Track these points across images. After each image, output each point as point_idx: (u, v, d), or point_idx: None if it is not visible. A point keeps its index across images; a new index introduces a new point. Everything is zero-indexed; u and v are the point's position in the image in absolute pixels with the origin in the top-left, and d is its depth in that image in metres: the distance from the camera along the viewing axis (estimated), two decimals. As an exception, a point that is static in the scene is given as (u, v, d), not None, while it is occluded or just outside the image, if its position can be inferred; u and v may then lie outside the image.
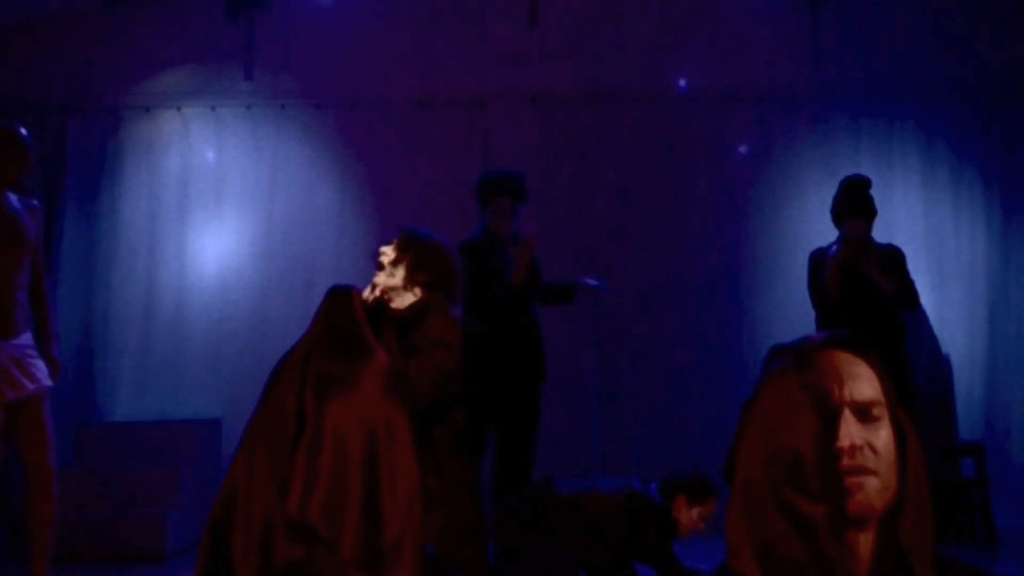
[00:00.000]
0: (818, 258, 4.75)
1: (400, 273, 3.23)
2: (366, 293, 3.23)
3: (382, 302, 3.23)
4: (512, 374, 4.48)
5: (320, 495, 2.73)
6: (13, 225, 3.86)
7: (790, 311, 6.09)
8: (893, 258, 4.69)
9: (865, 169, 5.80)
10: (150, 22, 6.50)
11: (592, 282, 4.86)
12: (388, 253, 3.29)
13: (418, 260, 3.23)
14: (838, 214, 4.69)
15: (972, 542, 5.44)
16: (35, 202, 4.07)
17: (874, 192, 4.71)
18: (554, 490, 4.03)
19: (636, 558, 3.98)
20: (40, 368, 3.85)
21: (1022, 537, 5.62)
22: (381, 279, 3.25)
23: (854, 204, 4.61)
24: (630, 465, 6.13)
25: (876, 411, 1.30)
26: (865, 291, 4.57)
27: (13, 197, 3.95)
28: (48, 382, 3.86)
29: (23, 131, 4.01)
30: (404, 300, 3.23)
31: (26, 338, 3.86)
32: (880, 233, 4.97)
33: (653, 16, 6.49)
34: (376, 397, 2.89)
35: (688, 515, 3.96)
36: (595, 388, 6.18)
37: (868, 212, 4.63)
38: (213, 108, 6.47)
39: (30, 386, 3.78)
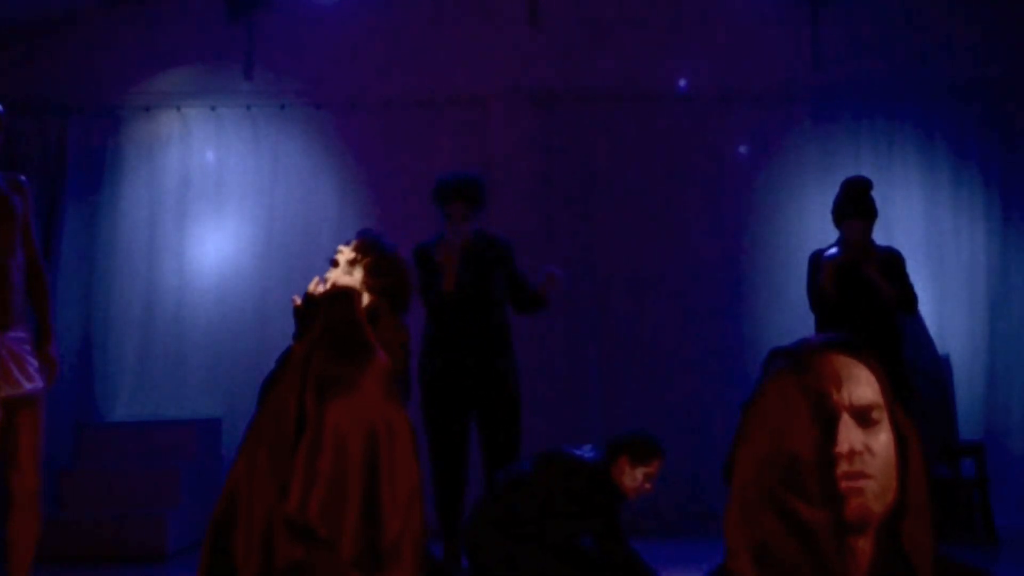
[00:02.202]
0: (817, 260, 4.74)
1: (357, 274, 3.24)
2: (312, 286, 3.25)
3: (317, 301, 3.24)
4: (457, 378, 4.48)
5: (319, 495, 2.73)
6: (1, 203, 3.55)
7: (790, 310, 6.08)
8: (893, 261, 4.66)
9: (865, 169, 5.80)
10: (150, 22, 6.49)
11: (551, 270, 4.69)
12: (346, 252, 3.31)
13: (377, 265, 3.24)
14: (837, 215, 4.69)
15: (972, 542, 5.44)
16: (22, 177, 3.72)
17: (874, 192, 4.70)
18: (495, 487, 4.03)
19: (586, 523, 3.92)
20: (37, 368, 3.56)
21: (1022, 537, 5.62)
22: (335, 275, 3.27)
23: (853, 205, 4.60)
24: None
25: (875, 414, 1.30)
26: (864, 293, 4.55)
27: None
28: (42, 384, 3.56)
29: None
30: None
31: (22, 332, 3.55)
32: (880, 233, 4.96)
33: (653, 16, 6.49)
34: (376, 397, 2.89)
35: (631, 475, 3.90)
36: (594, 387, 6.18)
37: (866, 213, 4.60)
38: (213, 108, 6.47)
39: (27, 386, 3.48)
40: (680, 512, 6.02)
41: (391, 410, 2.92)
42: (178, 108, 6.47)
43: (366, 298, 3.22)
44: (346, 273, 3.26)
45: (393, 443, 2.85)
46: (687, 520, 5.97)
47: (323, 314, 3.10)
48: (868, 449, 1.27)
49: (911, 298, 4.62)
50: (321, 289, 3.23)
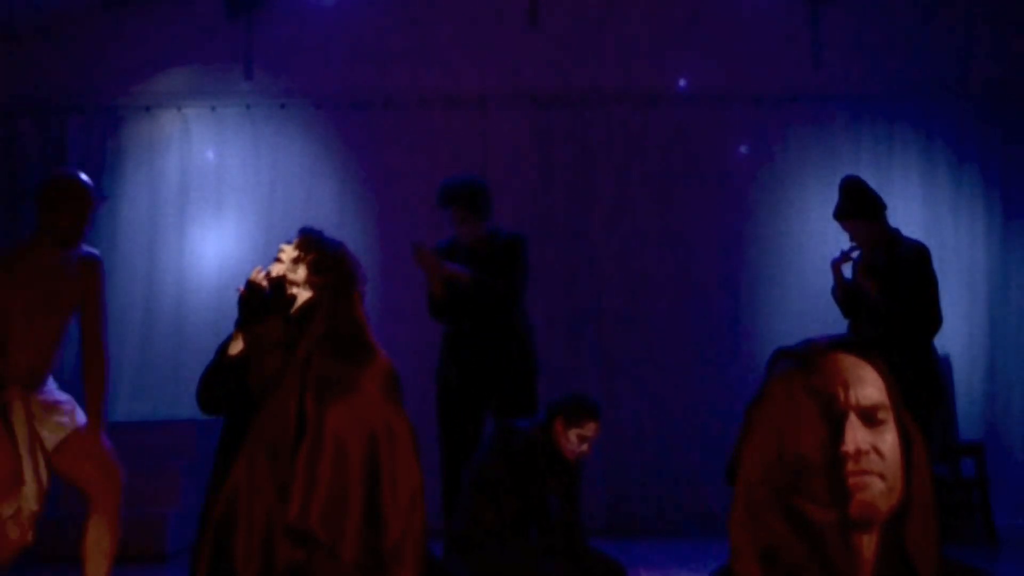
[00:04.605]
0: None
1: (301, 271, 3.24)
2: (255, 274, 3.27)
3: (281, 285, 3.24)
4: (474, 378, 4.48)
5: (320, 500, 2.72)
6: (52, 289, 3.51)
7: (790, 310, 6.10)
8: (904, 258, 4.43)
9: (865, 169, 5.80)
10: (150, 22, 6.50)
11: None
12: (288, 251, 3.31)
13: (320, 262, 3.24)
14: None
15: (972, 542, 5.44)
16: (94, 253, 3.65)
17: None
18: (463, 487, 4.08)
19: (537, 492, 3.95)
20: (76, 408, 3.59)
21: (1022, 537, 5.63)
22: (280, 268, 3.28)
23: (840, 206, 4.57)
24: (628, 466, 6.13)
25: (881, 415, 1.30)
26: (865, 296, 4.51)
27: (71, 254, 3.57)
28: (82, 419, 3.56)
29: (81, 178, 3.60)
30: (300, 296, 3.24)
31: (51, 383, 3.61)
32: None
33: (653, 16, 6.49)
34: (377, 399, 2.89)
35: (566, 437, 3.93)
36: (593, 388, 6.17)
37: (851, 213, 4.50)
38: (213, 108, 6.47)
39: (69, 426, 3.54)
40: (682, 512, 6.02)
41: (391, 412, 2.91)
42: (178, 108, 6.47)
43: (308, 295, 3.21)
44: (290, 270, 3.27)
45: (394, 446, 2.85)
46: (689, 520, 5.96)
47: (324, 315, 3.10)
48: (875, 449, 1.27)
49: (901, 301, 4.35)
50: (267, 278, 3.25)
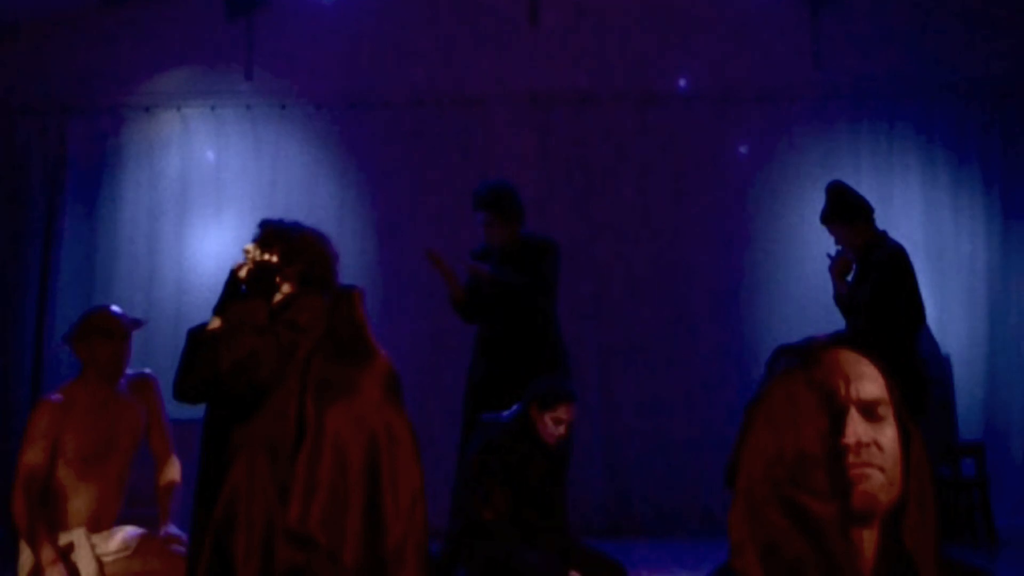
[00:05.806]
0: None
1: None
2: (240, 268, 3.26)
3: (269, 268, 3.20)
4: (501, 382, 4.48)
5: (320, 504, 2.71)
6: (106, 430, 3.53)
7: (789, 310, 6.09)
8: (879, 261, 4.36)
9: (865, 169, 5.80)
10: (150, 22, 6.50)
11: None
12: (252, 251, 3.28)
13: (287, 253, 3.21)
14: None
15: (972, 542, 5.44)
16: (145, 374, 3.71)
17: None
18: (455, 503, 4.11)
19: (530, 479, 3.99)
20: (126, 530, 3.55)
21: (1022, 537, 5.62)
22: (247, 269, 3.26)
23: (823, 210, 4.55)
24: (628, 466, 6.13)
25: (881, 410, 1.31)
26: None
27: (121, 386, 3.61)
28: (136, 531, 3.54)
29: (113, 312, 3.68)
30: (283, 286, 3.21)
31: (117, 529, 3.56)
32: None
33: (653, 16, 6.49)
34: (377, 401, 2.88)
35: (543, 422, 3.99)
36: (594, 388, 6.18)
37: (831, 217, 4.45)
38: (213, 108, 6.47)
39: (131, 545, 3.51)
40: (682, 512, 6.02)
41: (391, 413, 2.90)
42: (178, 108, 6.47)
43: (285, 288, 3.19)
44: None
45: (394, 448, 2.84)
46: (689, 520, 5.96)
47: (325, 316, 3.09)
48: (875, 443, 1.28)
49: (877, 302, 4.28)
50: (247, 269, 3.24)
